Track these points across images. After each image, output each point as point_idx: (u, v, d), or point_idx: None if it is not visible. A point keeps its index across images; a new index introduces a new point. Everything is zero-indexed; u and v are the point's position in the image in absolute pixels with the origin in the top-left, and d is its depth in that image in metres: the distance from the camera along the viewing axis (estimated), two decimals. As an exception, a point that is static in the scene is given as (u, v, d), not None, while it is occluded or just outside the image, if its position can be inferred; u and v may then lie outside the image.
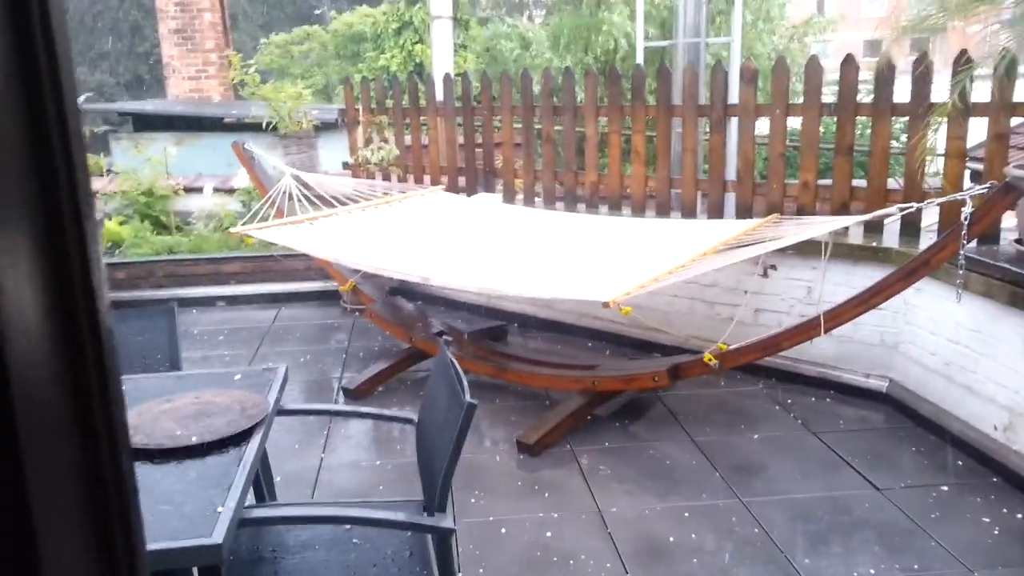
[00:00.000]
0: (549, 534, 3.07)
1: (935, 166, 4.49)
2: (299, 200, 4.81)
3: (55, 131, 0.33)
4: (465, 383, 1.99)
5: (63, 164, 0.34)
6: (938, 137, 4.08)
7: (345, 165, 6.60)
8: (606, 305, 3.12)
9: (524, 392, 4.33)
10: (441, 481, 1.91)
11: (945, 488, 3.32)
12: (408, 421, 2.44)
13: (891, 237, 4.24)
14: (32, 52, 0.32)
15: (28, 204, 0.33)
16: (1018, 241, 3.55)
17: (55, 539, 0.36)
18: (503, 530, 3.11)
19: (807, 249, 4.05)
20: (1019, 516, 3.11)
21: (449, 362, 2.14)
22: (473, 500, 3.30)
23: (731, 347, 3.73)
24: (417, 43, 12.50)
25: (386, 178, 6.19)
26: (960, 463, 3.51)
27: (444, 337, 2.46)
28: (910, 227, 4.16)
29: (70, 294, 0.35)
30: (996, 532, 3.01)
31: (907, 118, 4.14)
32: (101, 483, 0.38)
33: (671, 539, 3.02)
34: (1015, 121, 4.03)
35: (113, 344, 0.38)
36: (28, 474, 0.34)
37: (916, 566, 2.82)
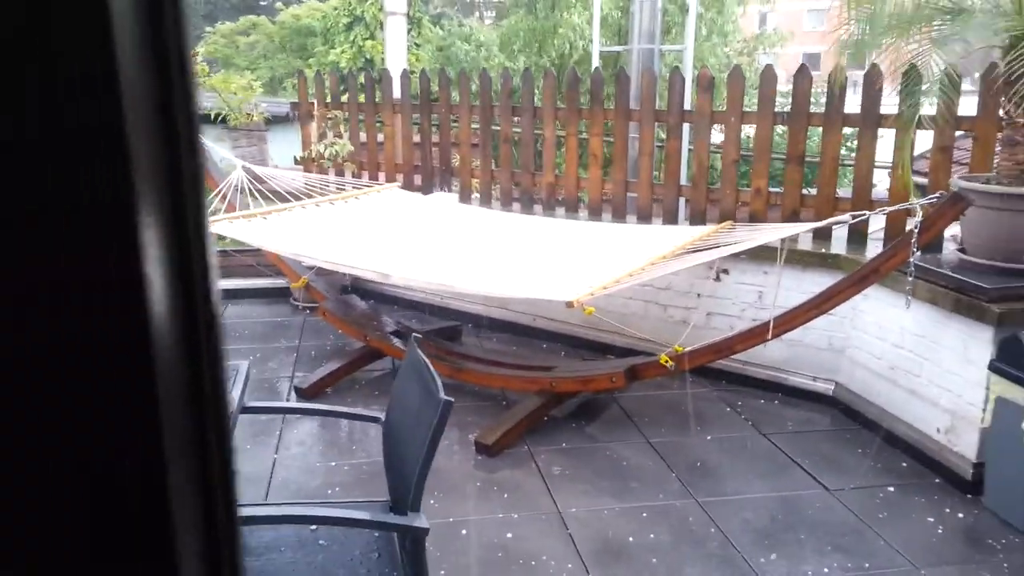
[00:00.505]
0: (510, 535, 3.06)
1: (874, 176, 4.63)
2: (251, 194, 4.70)
3: (182, 124, 0.32)
4: (439, 380, 1.97)
5: (187, 149, 0.33)
6: (886, 148, 4.21)
7: (296, 160, 6.47)
8: (569, 305, 3.13)
9: (480, 392, 4.31)
10: (415, 480, 1.88)
11: (891, 489, 3.43)
12: (374, 420, 2.39)
13: (839, 244, 4.36)
14: (165, 56, 0.31)
15: (158, 184, 0.32)
16: (961, 250, 3.70)
17: (184, 512, 0.36)
18: (463, 531, 3.08)
19: (758, 254, 4.15)
20: (960, 516, 3.23)
21: (421, 359, 2.11)
22: (432, 501, 3.26)
23: (687, 349, 3.78)
24: (368, 39, 12.37)
25: (339, 174, 6.09)
26: (904, 464, 3.63)
27: (414, 335, 2.43)
28: (857, 235, 4.29)
29: (187, 257, 0.34)
30: (940, 531, 3.13)
31: (856, 128, 4.26)
32: (208, 451, 0.37)
33: (630, 539, 3.05)
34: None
35: (219, 310, 0.37)
36: (165, 441, 0.34)
37: (867, 564, 2.90)
